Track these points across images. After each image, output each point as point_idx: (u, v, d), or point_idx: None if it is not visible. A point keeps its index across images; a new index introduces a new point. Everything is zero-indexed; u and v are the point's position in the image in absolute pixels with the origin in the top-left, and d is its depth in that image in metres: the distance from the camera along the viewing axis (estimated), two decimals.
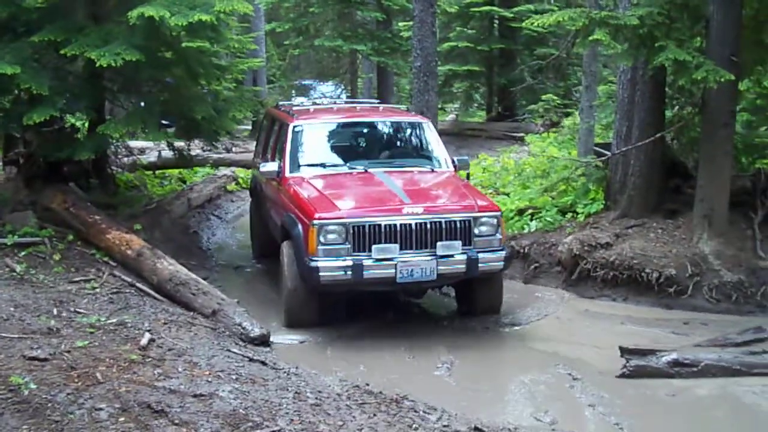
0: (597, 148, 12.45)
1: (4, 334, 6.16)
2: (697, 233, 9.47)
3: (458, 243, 8.02)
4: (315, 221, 7.78)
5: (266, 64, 24.42)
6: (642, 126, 10.32)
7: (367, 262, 7.76)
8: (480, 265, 8.06)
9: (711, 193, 9.49)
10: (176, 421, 4.86)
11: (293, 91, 23.37)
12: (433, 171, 9.51)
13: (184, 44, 10.89)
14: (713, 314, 8.82)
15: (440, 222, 8.00)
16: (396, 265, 7.81)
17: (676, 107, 11.06)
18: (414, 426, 5.30)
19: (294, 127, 9.54)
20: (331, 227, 7.80)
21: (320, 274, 7.72)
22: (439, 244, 7.95)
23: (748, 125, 12.01)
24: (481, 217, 8.19)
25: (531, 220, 11.34)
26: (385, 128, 10.32)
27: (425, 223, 7.94)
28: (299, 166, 9.25)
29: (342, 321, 8.50)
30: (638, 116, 10.45)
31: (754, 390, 6.71)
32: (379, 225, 7.84)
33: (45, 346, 5.98)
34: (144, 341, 6.37)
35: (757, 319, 8.35)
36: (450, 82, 27.53)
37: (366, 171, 9.08)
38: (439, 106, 21.84)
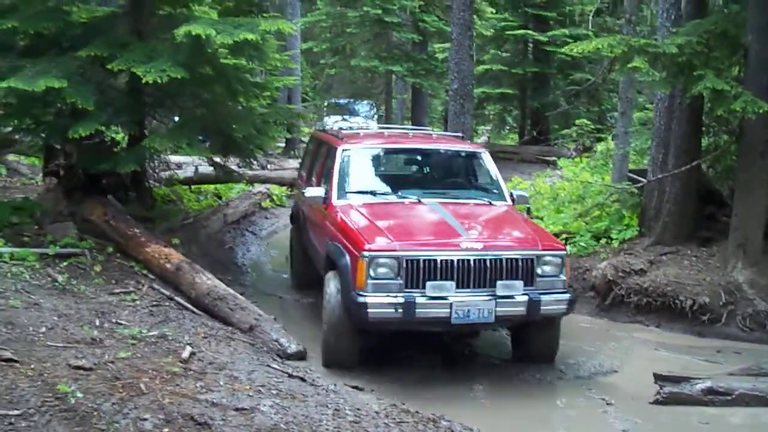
0: (631, 174, 12.50)
1: (50, 343, 6.28)
2: (732, 262, 9.50)
3: (519, 283, 7.38)
4: (365, 253, 7.19)
5: (300, 83, 24.73)
6: (678, 153, 10.39)
7: (420, 300, 7.14)
8: (542, 308, 7.42)
9: (746, 221, 9.52)
10: None
11: (325, 110, 23.59)
12: (490, 204, 8.83)
13: (222, 61, 11.07)
14: (746, 343, 8.85)
15: (501, 259, 7.37)
16: (451, 304, 7.16)
17: (713, 135, 11.10)
18: None
19: (343, 150, 9.04)
20: (382, 260, 7.19)
21: (368, 310, 7.09)
22: (499, 283, 7.31)
23: None
24: (545, 255, 7.57)
25: (565, 244, 11.38)
26: (439, 157, 9.74)
27: (484, 260, 7.31)
28: (347, 192, 8.69)
29: (383, 361, 8.05)
30: (674, 143, 10.51)
31: None
32: (435, 260, 7.23)
33: (89, 355, 6.08)
34: (185, 354, 6.47)
35: None
36: (483, 104, 27.77)
37: (419, 201, 8.52)
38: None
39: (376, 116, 23.31)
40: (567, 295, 7.65)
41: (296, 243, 10.86)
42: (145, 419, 5.06)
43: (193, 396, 5.56)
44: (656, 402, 7.00)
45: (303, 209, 10.27)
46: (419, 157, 9.78)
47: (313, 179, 9.92)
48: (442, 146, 9.80)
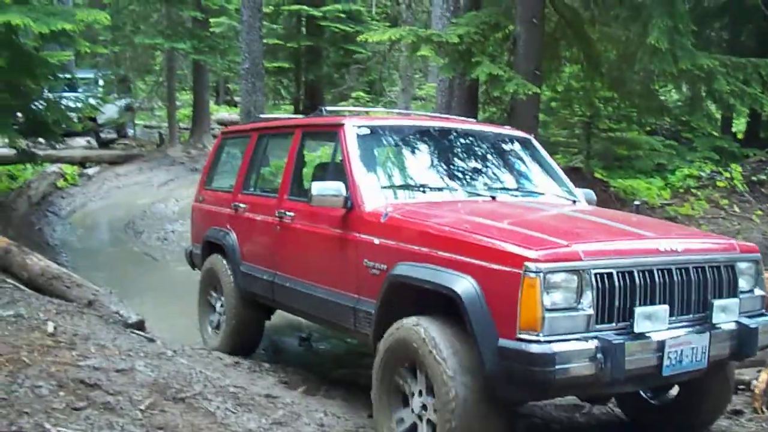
0: None
1: None
2: None
3: (735, 302, 4.98)
4: (532, 264, 4.28)
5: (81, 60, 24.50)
6: None
7: (629, 343, 4.40)
8: (760, 340, 5.02)
9: None
10: (111, 392, 5.65)
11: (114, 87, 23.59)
12: (574, 202, 6.56)
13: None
14: None
15: (706, 268, 4.93)
16: (663, 344, 4.55)
17: (488, 113, 12.60)
18: None
19: (357, 128, 6.32)
20: (561, 276, 4.35)
21: (557, 366, 4.19)
22: (715, 304, 4.87)
23: (544, 125, 13.80)
24: (742, 260, 5.20)
25: None
26: (486, 142, 6.94)
27: (689, 270, 4.84)
28: (383, 188, 5.99)
29: None
30: None
31: None
32: (643, 272, 4.61)
33: None
34: (50, 329, 7.00)
35: None
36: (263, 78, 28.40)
37: (494, 199, 6.05)
38: None
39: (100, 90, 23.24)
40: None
41: (233, 290, 7.68)
42: (40, 386, 5.63)
43: (74, 364, 6.20)
44: None
45: (253, 231, 7.48)
46: (461, 142, 6.81)
47: (253, 189, 7.80)
48: (487, 129, 7.24)
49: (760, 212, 12.81)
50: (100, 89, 21.46)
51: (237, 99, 24.89)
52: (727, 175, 13.65)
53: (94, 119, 20.47)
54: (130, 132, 25.62)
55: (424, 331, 4.73)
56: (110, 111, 21.69)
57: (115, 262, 12.67)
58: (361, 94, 23.42)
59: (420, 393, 4.87)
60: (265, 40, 25.84)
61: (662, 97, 17.21)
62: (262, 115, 9.36)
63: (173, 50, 21.10)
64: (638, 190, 13.25)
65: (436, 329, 4.71)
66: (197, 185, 9.14)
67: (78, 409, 5.19)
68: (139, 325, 8.34)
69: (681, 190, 13.55)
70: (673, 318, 4.66)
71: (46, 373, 5.91)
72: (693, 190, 13.46)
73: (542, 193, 6.55)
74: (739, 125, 19.97)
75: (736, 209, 12.91)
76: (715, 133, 16.70)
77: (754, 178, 13.84)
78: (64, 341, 6.81)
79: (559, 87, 13.87)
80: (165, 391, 5.79)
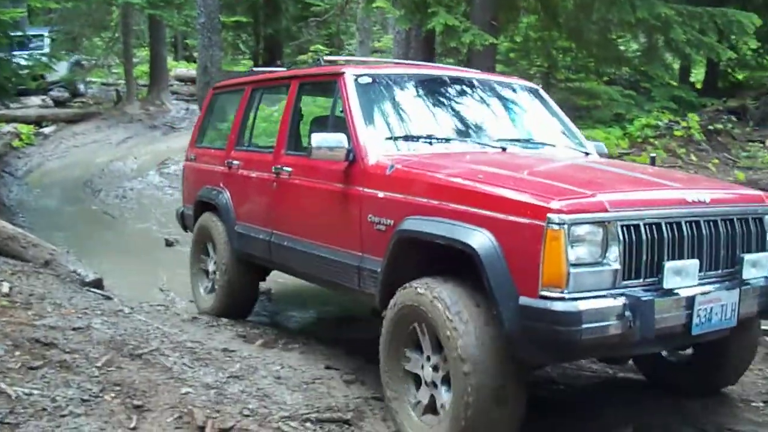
0: None
1: None
2: None
3: (765, 257, 4.76)
4: (555, 215, 3.96)
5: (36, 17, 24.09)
6: None
7: (658, 299, 4.11)
8: None
9: None
10: (67, 350, 5.64)
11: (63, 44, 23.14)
12: (587, 155, 6.26)
13: None
14: None
15: (734, 220, 4.69)
16: (693, 300, 4.28)
17: (445, 63, 12.58)
18: None
19: (356, 78, 5.93)
20: (586, 228, 4.03)
21: (584, 325, 3.89)
22: (745, 258, 4.63)
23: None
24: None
25: None
26: (492, 92, 6.55)
27: (717, 223, 4.58)
28: (387, 139, 5.59)
29: None
30: None
31: None
32: (671, 224, 4.34)
33: None
34: (5, 289, 6.94)
35: None
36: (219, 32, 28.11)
37: (504, 150, 5.69)
38: None
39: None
40: None
41: (227, 247, 7.32)
42: None
43: (29, 323, 6.17)
44: None
45: (249, 186, 7.05)
46: (466, 92, 6.48)
47: (247, 145, 7.42)
48: (492, 78, 6.88)
49: (716, 161, 12.92)
50: (47, 47, 20.97)
51: (195, 54, 24.58)
52: (685, 124, 13.73)
53: (43, 77, 19.99)
54: (82, 89, 25.12)
55: (436, 294, 4.41)
56: (61, 69, 21.27)
57: (73, 221, 12.58)
58: (320, 47, 23.27)
59: (433, 365, 4.60)
60: None
61: (621, 47, 17.26)
62: (256, 68, 8.65)
63: (128, 5, 20.74)
64: (597, 140, 13.32)
65: (448, 292, 4.39)
66: (188, 143, 8.72)
67: (34, 368, 5.17)
68: (97, 284, 8.31)
69: (639, 140, 13.61)
70: (701, 273, 4.38)
71: (1, 334, 5.88)
72: (651, 140, 13.53)
73: (553, 145, 6.18)
74: (698, 75, 20.08)
75: (693, 158, 13.00)
76: (674, 83, 16.79)
77: (711, 128, 13.94)
78: (20, 301, 6.78)
79: (517, 37, 13.87)
80: (122, 348, 5.78)
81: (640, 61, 15.05)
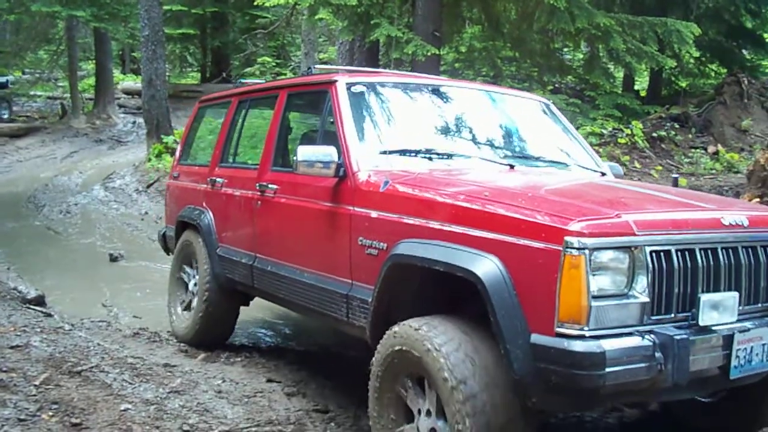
0: None
1: None
2: None
3: None
4: (573, 239, 3.37)
5: None
6: None
7: (694, 338, 3.54)
8: None
9: None
10: (4, 369, 5.54)
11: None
12: (603, 175, 5.66)
13: None
14: None
15: None
16: (731, 339, 3.68)
17: None
18: None
19: (349, 86, 5.31)
20: (610, 254, 3.45)
21: (608, 369, 3.29)
22: None
23: None
24: None
25: None
26: (498, 105, 6.00)
27: (757, 249, 3.98)
28: (381, 153, 4.94)
29: None
30: None
31: None
32: (706, 248, 3.74)
33: None
34: None
35: None
36: (164, 45, 27.97)
37: (512, 167, 5.07)
38: None
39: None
40: None
41: (209, 276, 6.59)
42: None
43: None
44: None
45: (231, 208, 6.43)
46: (470, 105, 5.85)
47: (232, 161, 6.85)
48: (500, 91, 6.36)
49: (659, 167, 13.13)
50: None
51: None
52: (628, 132, 13.94)
53: None
54: (4, 115, 23.79)
55: (431, 338, 3.77)
56: None
57: (16, 237, 12.41)
58: (267, 59, 23.26)
59: (428, 413, 3.94)
60: (169, 6, 25.61)
61: (567, 56, 17.47)
62: (243, 80, 7.72)
63: (72, 18, 20.52)
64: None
65: (446, 334, 3.77)
66: (173, 161, 8.23)
67: None
68: (39, 301, 8.22)
69: None
70: (740, 308, 3.77)
71: None
72: (595, 147, 13.67)
73: (566, 164, 5.60)
74: (642, 83, 20.40)
75: (637, 165, 13.19)
76: (617, 91, 17.03)
77: (654, 135, 14.17)
78: None
79: (462, 48, 13.98)
80: (61, 366, 5.71)
81: (582, 69, 15.23)
